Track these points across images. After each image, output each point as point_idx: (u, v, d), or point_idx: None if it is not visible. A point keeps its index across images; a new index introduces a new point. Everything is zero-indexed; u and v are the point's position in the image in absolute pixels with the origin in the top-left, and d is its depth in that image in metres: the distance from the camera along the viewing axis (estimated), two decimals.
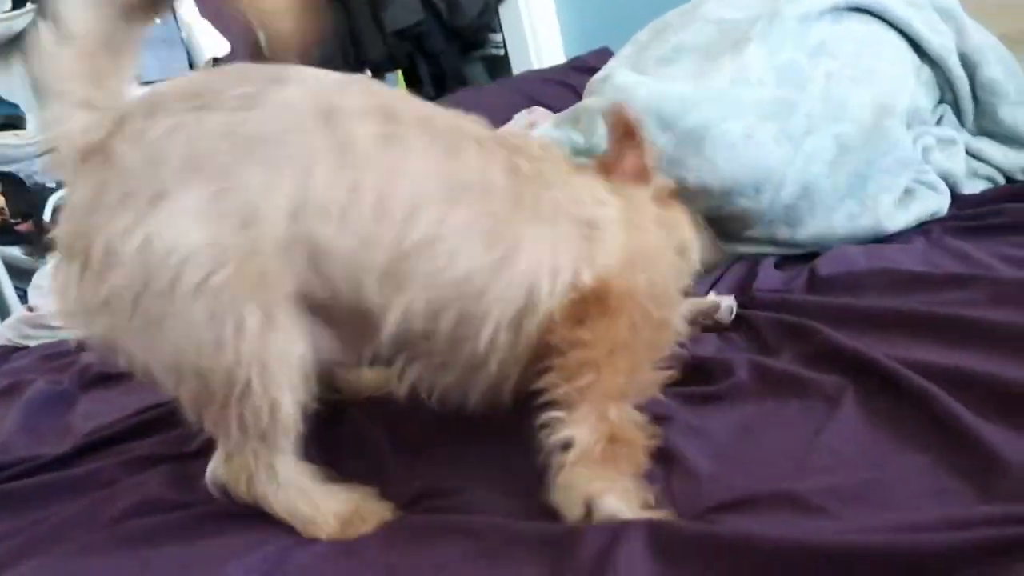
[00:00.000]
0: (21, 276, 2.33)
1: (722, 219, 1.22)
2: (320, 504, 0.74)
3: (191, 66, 2.52)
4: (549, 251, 0.74)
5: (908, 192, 1.18)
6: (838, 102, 1.18)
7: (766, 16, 1.25)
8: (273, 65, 0.73)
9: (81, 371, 1.34)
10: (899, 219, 1.15)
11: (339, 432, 0.94)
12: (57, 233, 0.69)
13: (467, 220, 0.71)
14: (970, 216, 1.14)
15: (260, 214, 0.65)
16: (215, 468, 0.77)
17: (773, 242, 1.22)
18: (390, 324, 0.70)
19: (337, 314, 0.72)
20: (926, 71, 1.30)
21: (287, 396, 0.69)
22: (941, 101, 1.33)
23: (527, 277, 0.73)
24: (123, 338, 0.68)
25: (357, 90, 0.74)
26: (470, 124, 0.78)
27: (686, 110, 1.17)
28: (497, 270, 0.72)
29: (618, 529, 0.61)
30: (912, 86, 1.25)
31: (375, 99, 0.73)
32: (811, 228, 1.16)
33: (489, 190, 0.74)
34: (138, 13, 0.72)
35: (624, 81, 1.27)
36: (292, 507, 0.74)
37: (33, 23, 2.56)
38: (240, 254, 0.65)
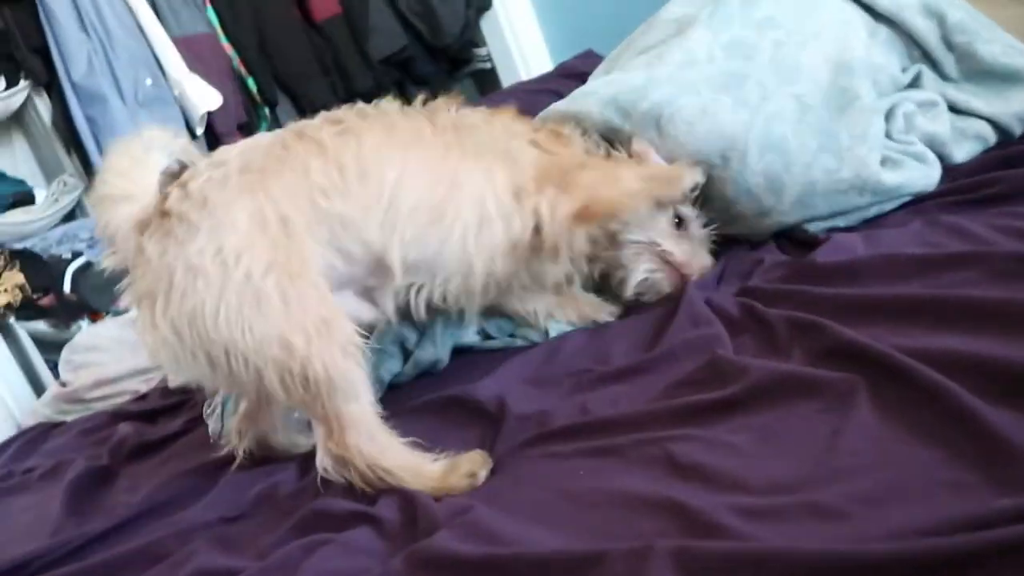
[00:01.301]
0: (49, 348, 2.37)
1: (709, 198, 1.24)
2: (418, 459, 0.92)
3: (187, 122, 2.55)
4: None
5: (894, 162, 1.17)
6: (790, 66, 1.23)
7: (711, 3, 1.33)
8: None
9: (119, 444, 1.38)
10: (888, 177, 1.15)
11: None
12: (135, 288, 0.92)
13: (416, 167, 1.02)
14: (964, 188, 1.13)
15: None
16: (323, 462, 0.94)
17: (762, 213, 1.22)
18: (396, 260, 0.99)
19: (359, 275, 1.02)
20: (883, 31, 1.31)
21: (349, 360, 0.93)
22: (914, 62, 1.33)
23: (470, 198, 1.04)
24: (209, 339, 0.89)
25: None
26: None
27: (641, 96, 1.23)
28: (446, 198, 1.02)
29: (643, 551, 0.63)
30: (864, 43, 1.28)
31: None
32: (793, 190, 1.17)
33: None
34: None
35: (584, 89, 1.34)
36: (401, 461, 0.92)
37: (29, 99, 2.63)
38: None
